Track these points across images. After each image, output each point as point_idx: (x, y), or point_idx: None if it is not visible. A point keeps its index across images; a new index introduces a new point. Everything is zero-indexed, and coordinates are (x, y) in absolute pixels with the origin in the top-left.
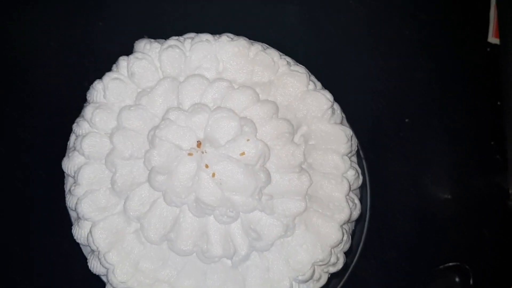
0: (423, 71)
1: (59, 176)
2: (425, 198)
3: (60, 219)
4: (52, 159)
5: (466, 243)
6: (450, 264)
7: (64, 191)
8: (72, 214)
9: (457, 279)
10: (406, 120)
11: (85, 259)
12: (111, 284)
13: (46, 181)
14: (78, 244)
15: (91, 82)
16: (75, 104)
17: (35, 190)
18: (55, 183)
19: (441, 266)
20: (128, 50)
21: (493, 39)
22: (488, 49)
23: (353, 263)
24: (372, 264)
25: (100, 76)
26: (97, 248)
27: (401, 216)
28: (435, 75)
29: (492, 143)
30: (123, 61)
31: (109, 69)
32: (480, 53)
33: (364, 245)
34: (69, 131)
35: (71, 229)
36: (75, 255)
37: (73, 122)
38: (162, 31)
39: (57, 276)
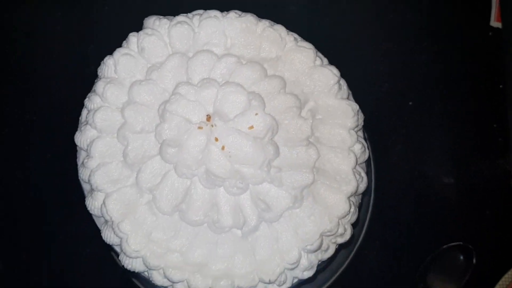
0: (426, 55)
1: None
2: (428, 180)
3: (71, 193)
4: (60, 137)
5: (469, 223)
6: (454, 244)
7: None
8: (85, 187)
9: (460, 259)
10: (410, 103)
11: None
12: (124, 253)
13: (57, 159)
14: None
15: (97, 66)
16: (81, 87)
17: (47, 167)
18: (65, 160)
19: (445, 246)
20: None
21: (495, 23)
22: (490, 33)
23: (357, 244)
24: (376, 245)
25: (102, 58)
26: (111, 218)
27: (405, 197)
28: (438, 59)
29: (494, 125)
30: (133, 37)
31: (110, 50)
32: (482, 37)
33: (368, 226)
34: (75, 112)
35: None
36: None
37: (79, 104)
38: (169, 12)
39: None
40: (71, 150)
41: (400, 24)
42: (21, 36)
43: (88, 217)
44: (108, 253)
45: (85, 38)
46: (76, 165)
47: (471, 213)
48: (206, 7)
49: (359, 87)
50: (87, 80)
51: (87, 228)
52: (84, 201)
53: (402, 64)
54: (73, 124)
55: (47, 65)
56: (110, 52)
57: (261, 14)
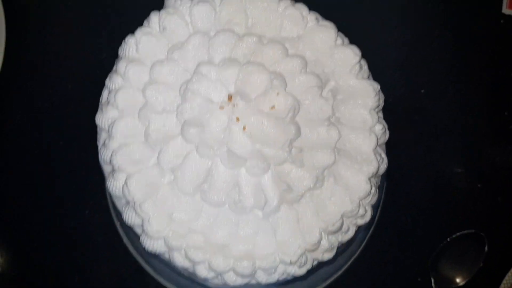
0: (438, 43)
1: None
2: (440, 168)
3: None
4: (72, 123)
5: (481, 211)
6: (465, 231)
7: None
8: (106, 168)
9: (472, 246)
10: (422, 90)
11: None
12: (146, 234)
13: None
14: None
15: (109, 53)
16: (93, 74)
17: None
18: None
19: (457, 234)
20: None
21: (507, 10)
22: (502, 21)
23: (369, 232)
24: (388, 232)
25: (116, 47)
26: (133, 198)
27: (417, 185)
28: (449, 47)
29: (506, 113)
30: (154, 17)
31: (131, 29)
32: (494, 24)
33: (379, 215)
34: (88, 97)
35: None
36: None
37: (91, 90)
38: None
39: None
40: (84, 136)
41: (412, 12)
42: (32, 22)
43: (100, 207)
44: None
45: (99, 21)
46: (88, 151)
47: (483, 201)
48: None
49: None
50: (100, 65)
51: (100, 219)
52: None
53: (414, 52)
54: (86, 111)
55: (59, 50)
56: (124, 35)
57: None
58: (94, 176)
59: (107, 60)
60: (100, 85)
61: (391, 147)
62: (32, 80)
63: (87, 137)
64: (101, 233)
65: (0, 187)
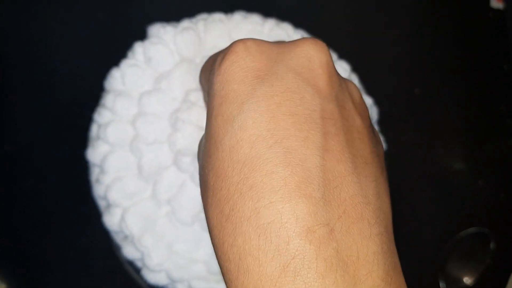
0: (428, 41)
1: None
2: (440, 167)
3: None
4: (64, 151)
5: (484, 208)
6: (470, 230)
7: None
8: (101, 203)
9: (477, 244)
10: (416, 90)
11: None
12: (147, 268)
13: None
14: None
15: (96, 76)
16: (83, 98)
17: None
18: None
19: (461, 233)
20: (132, 40)
21: (496, 3)
22: (491, 14)
23: None
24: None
25: (104, 69)
26: (131, 233)
27: (418, 186)
28: (440, 44)
29: (501, 107)
30: (138, 47)
31: (112, 61)
32: (484, 18)
33: None
34: (77, 126)
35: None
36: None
37: (82, 118)
38: (164, 17)
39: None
40: (77, 165)
41: (400, 12)
42: (18, 44)
43: (100, 233)
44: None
45: (81, 47)
46: (83, 180)
47: (485, 197)
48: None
49: (364, 78)
50: (88, 91)
51: (100, 243)
52: (94, 216)
53: (405, 53)
54: (77, 138)
55: (43, 78)
56: (111, 60)
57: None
58: (89, 204)
59: (95, 92)
60: (91, 115)
61: (390, 150)
62: (19, 111)
63: (81, 166)
64: (100, 260)
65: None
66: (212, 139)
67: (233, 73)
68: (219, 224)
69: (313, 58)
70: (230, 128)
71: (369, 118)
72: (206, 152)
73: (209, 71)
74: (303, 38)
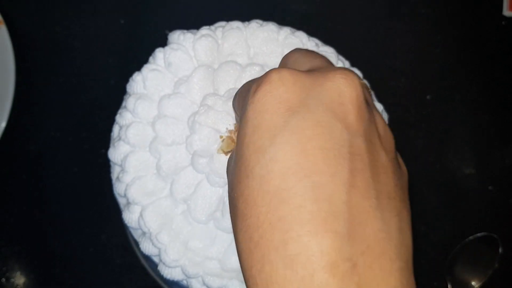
0: (441, 48)
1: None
2: (450, 172)
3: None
4: (85, 152)
5: (493, 213)
6: (479, 234)
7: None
8: (121, 201)
9: (486, 249)
10: (428, 96)
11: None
12: (163, 263)
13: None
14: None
15: (117, 80)
16: (105, 101)
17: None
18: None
19: (470, 237)
20: (151, 46)
21: (508, 12)
22: (503, 22)
23: None
24: None
25: (124, 73)
26: (149, 229)
27: (428, 190)
28: (452, 51)
29: None
30: (159, 53)
31: (132, 65)
32: (496, 26)
33: None
34: (99, 127)
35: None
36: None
37: (103, 119)
38: (184, 25)
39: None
40: (97, 164)
41: (413, 19)
42: (44, 48)
43: (119, 229)
44: (139, 263)
45: (103, 51)
46: (103, 179)
47: (495, 203)
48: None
49: (376, 84)
50: (109, 94)
51: (119, 239)
52: (114, 213)
53: (418, 59)
54: (98, 138)
55: (66, 81)
56: (133, 65)
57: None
58: (108, 202)
59: (115, 94)
60: (112, 116)
61: (401, 154)
62: (40, 108)
63: (100, 165)
64: (118, 255)
65: (20, 214)
66: (242, 166)
67: (266, 103)
68: (248, 249)
69: (343, 93)
70: (261, 158)
71: (394, 150)
72: (236, 177)
73: (244, 97)
74: (335, 70)
